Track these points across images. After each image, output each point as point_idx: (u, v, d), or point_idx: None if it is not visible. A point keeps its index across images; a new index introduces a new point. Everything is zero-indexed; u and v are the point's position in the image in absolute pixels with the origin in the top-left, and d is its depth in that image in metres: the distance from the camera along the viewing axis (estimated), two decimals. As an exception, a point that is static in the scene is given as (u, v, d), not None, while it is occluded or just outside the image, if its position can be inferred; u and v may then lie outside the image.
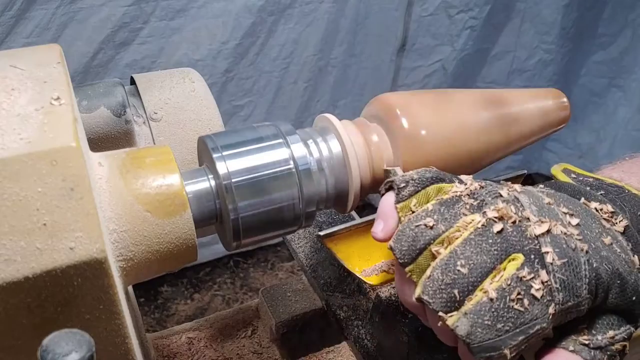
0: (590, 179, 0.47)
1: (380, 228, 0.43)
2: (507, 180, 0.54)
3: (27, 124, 0.35)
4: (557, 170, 0.50)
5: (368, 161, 0.50)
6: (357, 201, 0.52)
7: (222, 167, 0.45)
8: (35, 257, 0.33)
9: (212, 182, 0.46)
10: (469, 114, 0.52)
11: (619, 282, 0.38)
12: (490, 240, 0.38)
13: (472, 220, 0.39)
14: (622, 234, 0.41)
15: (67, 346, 0.28)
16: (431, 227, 0.39)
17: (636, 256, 0.40)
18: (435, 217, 0.40)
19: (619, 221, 0.42)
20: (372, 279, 0.51)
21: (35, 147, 0.33)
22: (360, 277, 0.51)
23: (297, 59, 1.79)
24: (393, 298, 0.60)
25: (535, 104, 0.56)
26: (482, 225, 0.38)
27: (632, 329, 0.39)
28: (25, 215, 0.33)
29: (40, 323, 0.34)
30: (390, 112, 0.51)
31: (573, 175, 0.48)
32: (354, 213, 0.64)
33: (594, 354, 0.37)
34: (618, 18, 2.00)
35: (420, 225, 0.40)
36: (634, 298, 0.39)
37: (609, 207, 0.42)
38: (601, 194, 0.44)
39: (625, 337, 0.39)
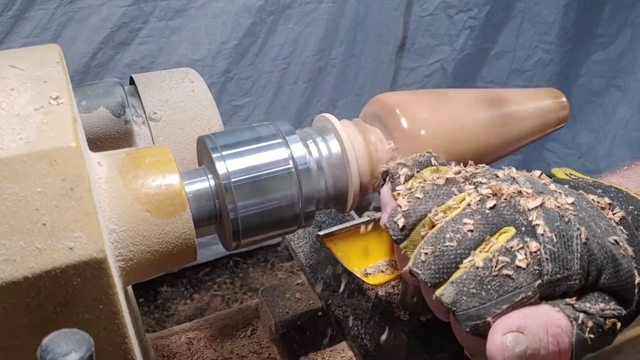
0: (590, 181, 0.47)
1: (386, 219, 0.44)
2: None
3: (27, 123, 0.35)
4: (557, 171, 0.50)
5: (367, 161, 0.51)
6: (356, 201, 0.52)
7: (221, 167, 0.45)
8: (35, 257, 0.33)
9: (212, 182, 0.46)
10: (469, 114, 0.52)
11: (612, 263, 0.38)
12: (482, 215, 0.38)
13: (465, 197, 0.39)
14: (618, 224, 0.41)
15: (67, 346, 0.28)
16: (423, 204, 0.40)
17: (630, 247, 0.40)
18: (428, 194, 0.41)
19: (616, 212, 0.42)
20: (371, 279, 0.51)
21: (34, 147, 0.33)
22: (360, 277, 0.51)
23: (296, 59, 1.79)
24: (393, 298, 0.60)
25: (534, 103, 0.56)
26: (475, 201, 0.39)
27: (623, 311, 0.39)
28: (24, 215, 0.33)
29: (39, 323, 0.34)
30: (390, 112, 0.51)
31: (573, 177, 0.48)
32: (353, 213, 0.64)
33: (578, 315, 0.37)
34: (618, 18, 2.00)
35: (412, 202, 0.40)
36: (628, 281, 0.39)
37: (606, 200, 0.42)
38: (600, 192, 0.44)
39: (616, 314, 0.38)
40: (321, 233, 0.51)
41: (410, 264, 0.39)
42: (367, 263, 0.52)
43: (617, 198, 0.44)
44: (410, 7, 1.86)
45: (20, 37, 1.41)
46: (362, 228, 0.54)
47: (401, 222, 0.40)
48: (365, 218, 0.53)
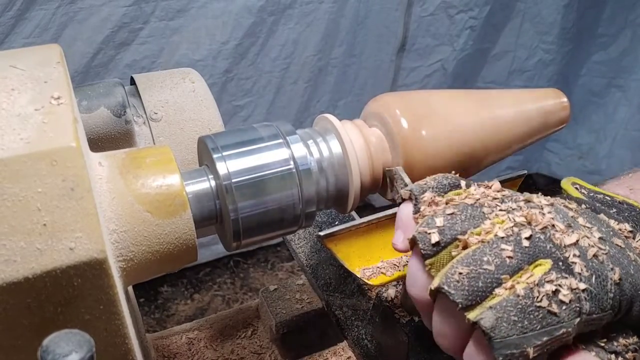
0: (600, 195, 0.46)
1: (400, 239, 0.42)
2: (507, 180, 0.54)
3: (27, 124, 0.35)
4: (567, 185, 0.49)
5: (368, 161, 0.50)
6: (357, 201, 0.52)
7: (222, 168, 0.45)
8: (35, 257, 0.33)
9: (212, 183, 0.46)
10: (469, 114, 0.52)
11: None
12: (519, 243, 0.37)
13: (501, 221, 0.39)
14: None
15: (67, 346, 0.28)
16: (459, 224, 0.39)
17: None
18: (463, 215, 0.39)
19: (638, 240, 0.42)
20: (372, 280, 0.51)
21: (35, 147, 0.33)
22: (360, 277, 0.51)
23: (297, 59, 1.80)
24: (393, 298, 0.60)
25: (535, 104, 0.56)
26: (511, 227, 0.38)
27: None
28: (25, 215, 0.33)
29: (40, 323, 0.34)
30: (390, 112, 0.51)
31: (583, 191, 0.48)
32: (354, 213, 0.64)
33: (610, 357, 0.37)
34: (618, 18, 2.00)
35: (449, 219, 0.39)
36: None
37: (627, 226, 0.42)
38: (614, 212, 0.44)
39: (637, 347, 0.38)
40: (322, 233, 0.51)
41: (438, 281, 0.37)
42: (368, 264, 0.52)
43: (632, 217, 0.43)
44: (411, 7, 1.86)
45: (20, 37, 1.41)
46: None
47: (435, 238, 0.39)
48: (366, 218, 0.53)
